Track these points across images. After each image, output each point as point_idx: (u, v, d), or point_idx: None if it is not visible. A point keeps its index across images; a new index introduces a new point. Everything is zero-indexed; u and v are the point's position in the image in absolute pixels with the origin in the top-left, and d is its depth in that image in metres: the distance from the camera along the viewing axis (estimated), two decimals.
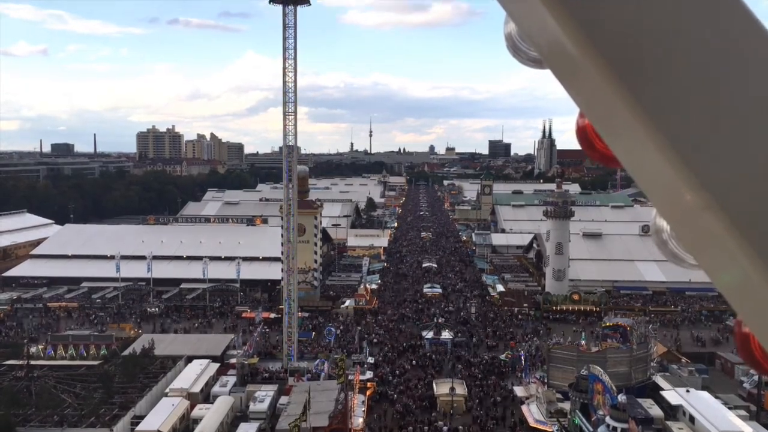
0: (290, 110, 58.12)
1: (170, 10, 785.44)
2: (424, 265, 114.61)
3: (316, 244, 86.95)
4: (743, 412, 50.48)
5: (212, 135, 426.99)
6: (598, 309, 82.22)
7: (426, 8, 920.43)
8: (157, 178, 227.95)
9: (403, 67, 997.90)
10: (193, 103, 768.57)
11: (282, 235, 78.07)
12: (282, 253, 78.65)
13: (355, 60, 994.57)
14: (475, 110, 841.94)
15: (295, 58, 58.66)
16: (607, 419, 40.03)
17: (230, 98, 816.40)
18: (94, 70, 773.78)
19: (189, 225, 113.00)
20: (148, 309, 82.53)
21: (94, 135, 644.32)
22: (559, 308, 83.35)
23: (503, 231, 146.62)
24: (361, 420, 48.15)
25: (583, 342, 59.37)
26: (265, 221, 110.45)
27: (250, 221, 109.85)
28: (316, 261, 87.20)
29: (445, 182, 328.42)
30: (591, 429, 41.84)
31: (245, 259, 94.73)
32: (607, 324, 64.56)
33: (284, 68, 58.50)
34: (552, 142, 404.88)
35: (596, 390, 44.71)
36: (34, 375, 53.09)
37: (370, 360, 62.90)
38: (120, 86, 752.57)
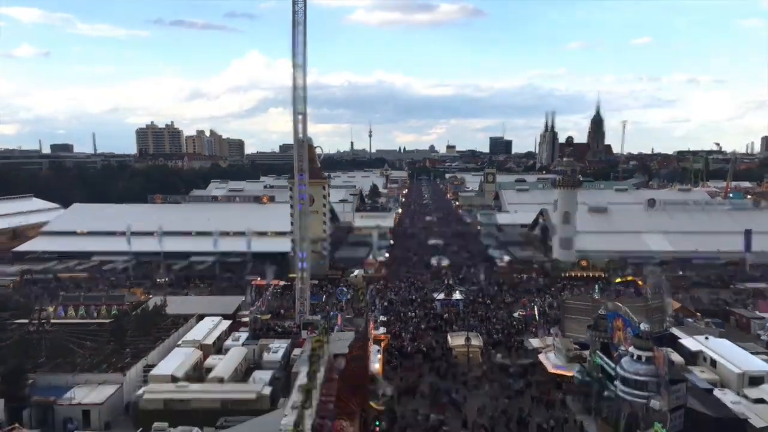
0: (299, 62, 57.40)
1: (176, 10, 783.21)
2: (430, 242, 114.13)
3: (324, 215, 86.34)
4: (765, 357, 49.90)
5: (212, 132, 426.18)
6: (606, 275, 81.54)
7: (432, 8, 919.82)
8: (160, 171, 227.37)
9: (407, 66, 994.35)
10: (192, 104, 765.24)
11: (291, 206, 77.94)
12: (291, 223, 78.38)
13: (359, 59, 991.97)
14: (477, 109, 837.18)
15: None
16: (631, 349, 39.31)
17: (230, 99, 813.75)
18: (95, 72, 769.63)
19: (197, 204, 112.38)
20: (158, 279, 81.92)
21: (93, 134, 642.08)
22: (567, 274, 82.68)
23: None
24: (377, 366, 47.50)
25: (596, 295, 58.81)
26: (272, 199, 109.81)
27: (257, 199, 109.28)
28: (324, 231, 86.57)
29: (447, 175, 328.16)
30: (613, 365, 41.11)
31: (253, 233, 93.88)
32: (619, 279, 64.15)
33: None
34: (554, 136, 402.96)
35: (616, 327, 44.08)
36: (45, 328, 52.44)
37: (383, 318, 62.28)
38: (120, 88, 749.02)
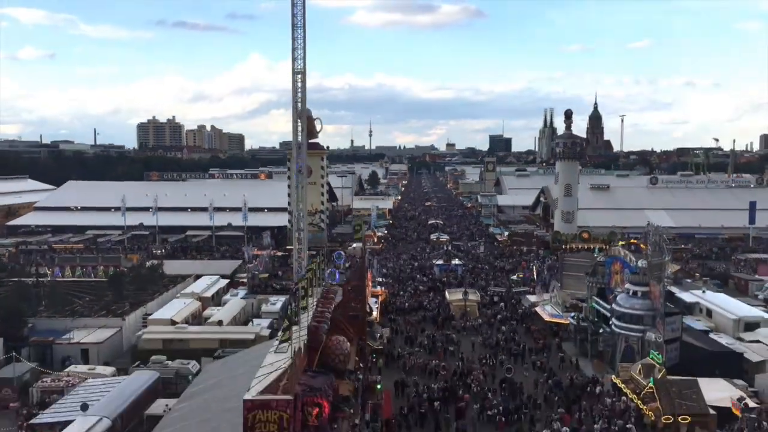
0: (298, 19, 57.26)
1: (178, 11, 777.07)
2: (430, 222, 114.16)
3: (322, 186, 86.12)
4: (762, 307, 50.12)
5: (213, 126, 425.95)
6: (608, 246, 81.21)
7: (434, 9, 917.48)
8: (159, 160, 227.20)
9: (408, 68, 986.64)
10: (195, 105, 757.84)
11: (288, 177, 77.91)
12: (288, 195, 78.51)
13: (360, 61, 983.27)
14: (477, 111, 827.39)
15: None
16: (627, 285, 39.48)
17: (232, 101, 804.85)
18: (97, 73, 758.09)
19: (193, 180, 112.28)
20: (154, 250, 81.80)
21: (94, 129, 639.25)
22: (568, 247, 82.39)
23: None
24: (375, 313, 47.64)
25: (595, 254, 58.77)
26: (269, 176, 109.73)
27: (254, 176, 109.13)
28: (322, 203, 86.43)
29: (447, 168, 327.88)
30: (609, 307, 41.19)
31: (251, 209, 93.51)
32: (621, 243, 63.94)
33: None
34: (554, 131, 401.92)
35: (614, 271, 44.20)
36: (43, 282, 52.56)
37: (380, 279, 62.26)
38: (123, 89, 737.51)
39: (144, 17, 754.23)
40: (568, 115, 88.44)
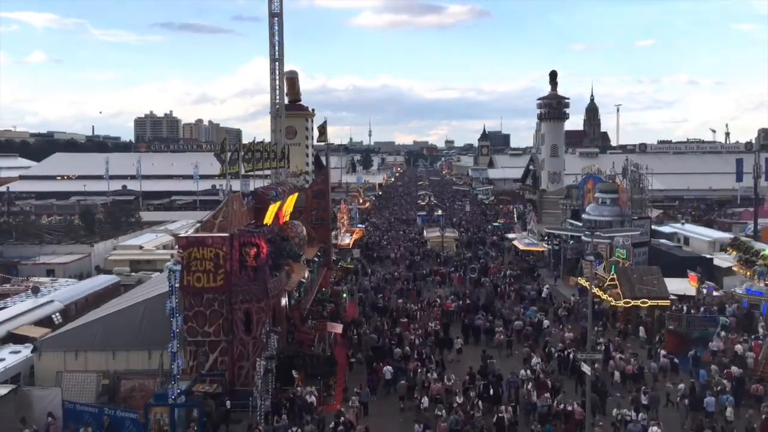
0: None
1: (186, 14, 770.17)
2: (419, 193, 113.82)
3: (307, 147, 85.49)
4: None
5: (210, 121, 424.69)
6: None
7: (440, 10, 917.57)
8: (154, 151, 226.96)
9: (412, 69, 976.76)
10: (198, 107, 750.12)
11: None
12: None
13: (364, 62, 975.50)
14: (479, 112, 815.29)
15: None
16: (596, 195, 39.18)
17: (235, 103, 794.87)
18: (104, 77, 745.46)
19: (181, 153, 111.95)
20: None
21: (93, 127, 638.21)
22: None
23: None
24: (348, 241, 47.44)
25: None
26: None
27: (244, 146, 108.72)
28: (308, 164, 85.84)
29: (444, 158, 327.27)
30: (580, 225, 40.80)
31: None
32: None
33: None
34: None
35: (587, 190, 43.92)
36: (15, 210, 52.35)
37: (361, 226, 61.99)
38: (127, 92, 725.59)
39: (151, 20, 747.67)
40: (553, 76, 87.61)
